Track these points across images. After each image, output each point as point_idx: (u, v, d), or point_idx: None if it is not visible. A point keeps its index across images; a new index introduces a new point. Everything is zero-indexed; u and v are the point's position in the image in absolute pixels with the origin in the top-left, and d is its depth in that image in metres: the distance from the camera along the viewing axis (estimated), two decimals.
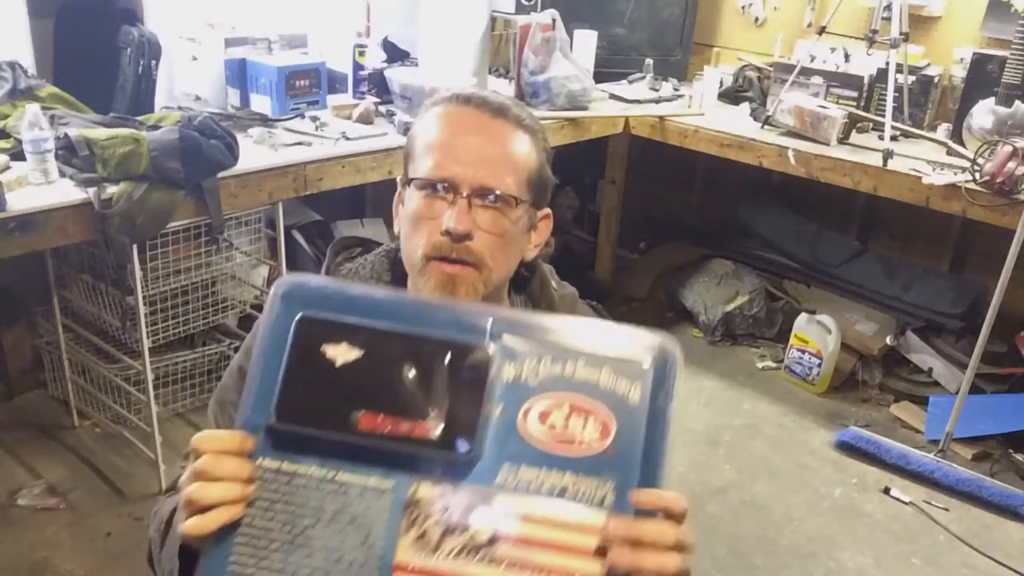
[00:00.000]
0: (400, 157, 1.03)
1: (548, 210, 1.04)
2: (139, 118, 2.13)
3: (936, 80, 2.97)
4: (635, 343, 0.71)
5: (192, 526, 0.67)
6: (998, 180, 2.32)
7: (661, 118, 3.04)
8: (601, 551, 0.67)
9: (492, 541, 0.67)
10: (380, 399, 0.69)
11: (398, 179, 1.01)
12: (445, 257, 0.92)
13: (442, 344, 0.70)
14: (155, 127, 2.04)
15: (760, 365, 3.28)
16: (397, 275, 1.03)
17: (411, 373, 0.69)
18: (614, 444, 0.69)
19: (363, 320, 0.71)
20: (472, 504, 0.68)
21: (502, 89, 3.03)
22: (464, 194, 0.92)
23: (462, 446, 0.68)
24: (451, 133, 0.94)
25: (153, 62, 2.29)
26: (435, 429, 0.69)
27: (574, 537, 0.68)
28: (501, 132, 0.95)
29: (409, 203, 0.96)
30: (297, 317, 0.71)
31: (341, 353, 0.70)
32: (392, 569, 0.67)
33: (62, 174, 1.90)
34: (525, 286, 1.10)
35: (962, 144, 2.65)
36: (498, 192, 0.93)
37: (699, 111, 3.08)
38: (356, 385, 0.69)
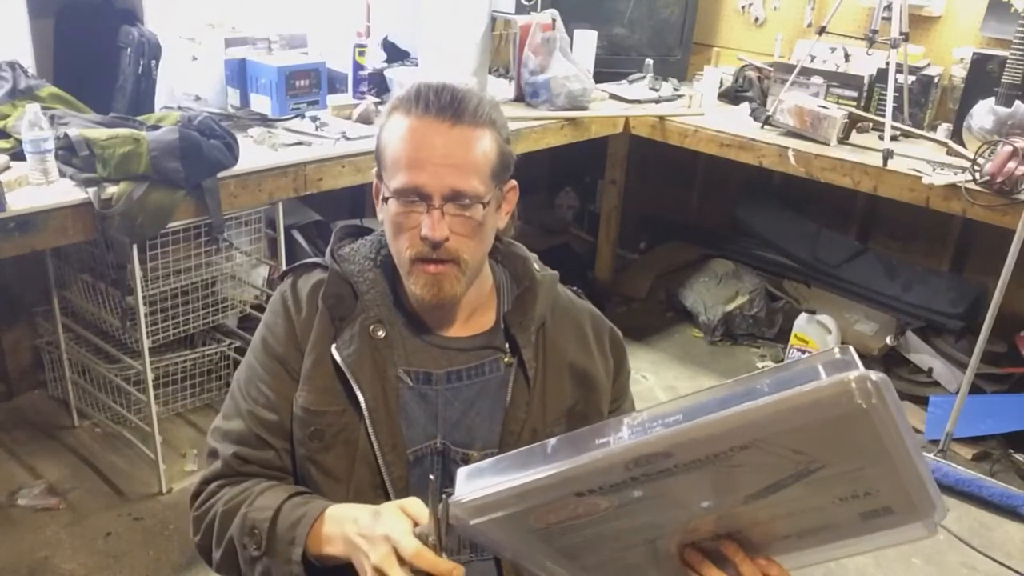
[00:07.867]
0: None
1: (513, 181, 1.12)
2: (139, 118, 2.13)
3: (936, 80, 2.97)
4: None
5: None
6: (998, 180, 2.32)
7: (661, 118, 3.03)
8: None
9: None
10: None
11: (373, 172, 1.09)
12: (427, 259, 1.03)
13: None
14: (155, 127, 2.04)
15: (760, 365, 3.28)
16: (384, 256, 1.14)
17: None
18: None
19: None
20: None
21: (502, 89, 3.03)
22: (436, 204, 1.01)
23: None
24: (415, 148, 1.02)
25: (153, 62, 2.29)
26: None
27: None
28: (461, 138, 1.02)
29: (389, 209, 1.05)
30: None
31: None
32: None
33: (62, 174, 1.90)
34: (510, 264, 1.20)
35: (962, 144, 2.65)
36: (467, 197, 1.01)
37: (699, 111, 3.08)
38: None
